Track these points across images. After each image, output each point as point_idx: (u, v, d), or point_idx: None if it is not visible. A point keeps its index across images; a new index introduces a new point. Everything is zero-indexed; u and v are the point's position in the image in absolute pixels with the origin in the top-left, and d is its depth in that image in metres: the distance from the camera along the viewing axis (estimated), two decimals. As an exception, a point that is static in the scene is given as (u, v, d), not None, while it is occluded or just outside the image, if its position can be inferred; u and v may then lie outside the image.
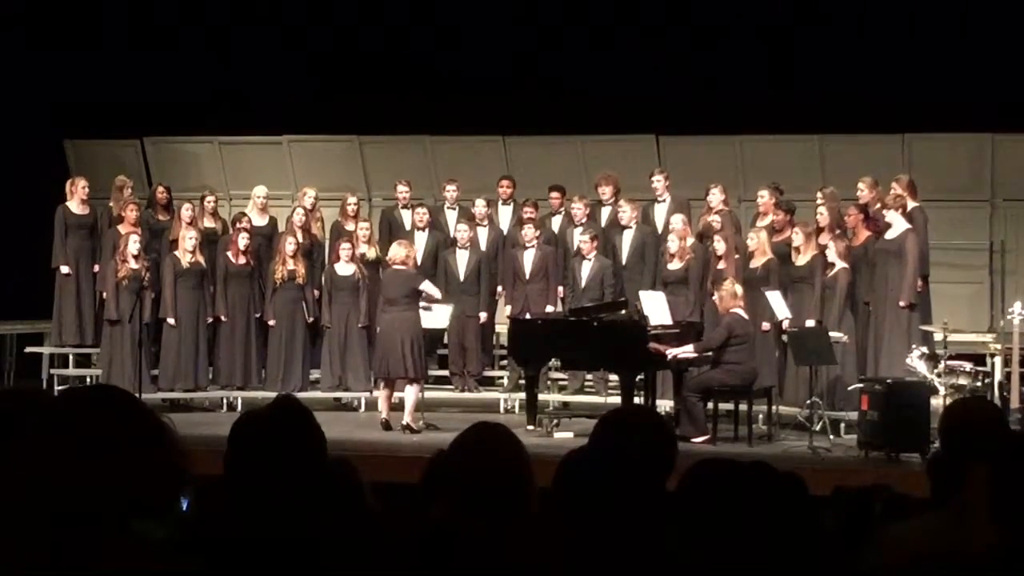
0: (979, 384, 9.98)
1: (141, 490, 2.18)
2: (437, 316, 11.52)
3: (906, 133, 13.58)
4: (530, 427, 10.91)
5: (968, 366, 10.13)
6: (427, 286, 11.30)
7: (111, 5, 14.85)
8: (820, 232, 11.60)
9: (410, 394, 11.09)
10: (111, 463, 2.15)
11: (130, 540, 2.18)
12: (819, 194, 11.93)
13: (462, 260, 12.55)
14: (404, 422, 11.04)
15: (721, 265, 11.52)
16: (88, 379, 12.84)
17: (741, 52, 13.84)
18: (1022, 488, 2.97)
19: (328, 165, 15.13)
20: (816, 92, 13.51)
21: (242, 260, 12.48)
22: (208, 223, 12.96)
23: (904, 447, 9.71)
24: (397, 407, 11.30)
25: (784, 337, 11.21)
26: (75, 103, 14.94)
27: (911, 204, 11.42)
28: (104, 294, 12.55)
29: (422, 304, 11.26)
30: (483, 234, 12.83)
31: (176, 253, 12.40)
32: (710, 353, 10.79)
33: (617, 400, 10.91)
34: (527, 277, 12.34)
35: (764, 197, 12.11)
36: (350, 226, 12.94)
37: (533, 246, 12.34)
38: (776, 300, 11.11)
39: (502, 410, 12.37)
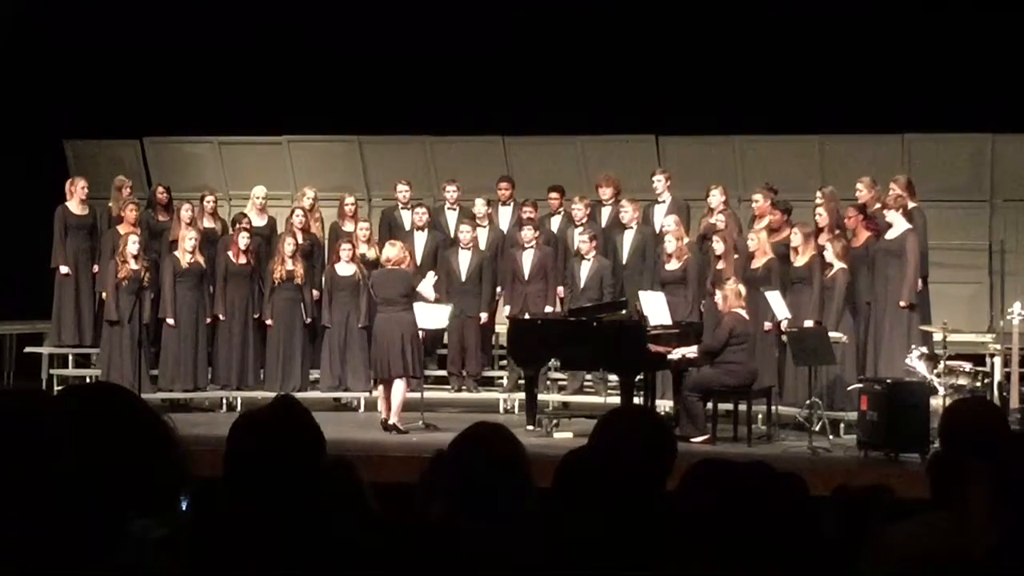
0: (979, 384, 9.98)
1: (142, 489, 2.18)
2: (437, 316, 11.51)
3: (905, 133, 13.60)
4: (529, 427, 10.91)
5: (968, 366, 10.13)
6: (423, 287, 11.28)
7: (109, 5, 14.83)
8: (819, 232, 11.60)
9: (397, 392, 11.05)
10: (112, 462, 2.15)
11: (130, 540, 2.18)
12: (818, 194, 11.93)
13: (463, 260, 12.55)
14: (391, 421, 11.00)
15: (720, 265, 11.52)
16: (87, 379, 12.81)
17: (741, 52, 13.84)
18: (1022, 488, 2.97)
19: (328, 165, 15.14)
20: (815, 92, 13.52)
21: (243, 260, 12.49)
22: (208, 223, 12.96)
23: (904, 447, 9.70)
24: (397, 407, 11.31)
25: (783, 337, 11.21)
26: (75, 103, 14.95)
27: (910, 204, 11.43)
28: (104, 294, 12.55)
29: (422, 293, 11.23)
30: (483, 234, 12.84)
31: (176, 253, 12.40)
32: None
33: (616, 400, 10.91)
34: (526, 278, 12.34)
35: (759, 200, 12.11)
36: (348, 226, 12.95)
37: (532, 247, 12.35)
38: (775, 300, 11.11)
39: (502, 410, 12.37)
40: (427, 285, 11.33)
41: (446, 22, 14.41)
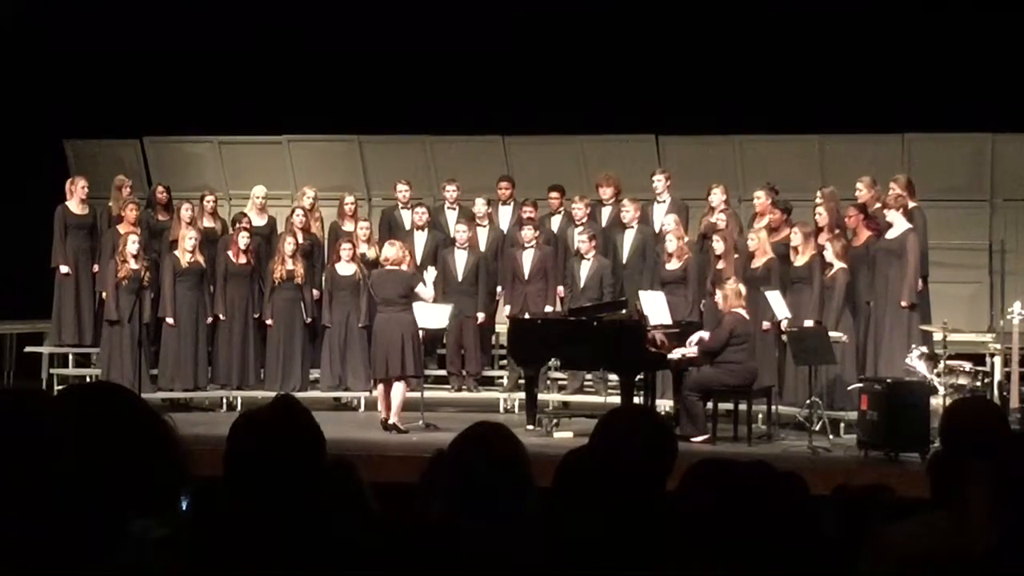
0: (979, 384, 9.98)
1: (142, 489, 2.18)
2: (437, 316, 11.51)
3: (905, 133, 13.60)
4: (530, 427, 10.92)
5: (968, 366, 10.13)
6: (421, 289, 11.26)
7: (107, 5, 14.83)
8: (819, 232, 11.60)
9: (397, 392, 11.07)
10: (112, 462, 2.15)
11: (130, 540, 2.18)
12: (818, 194, 11.93)
13: (460, 260, 12.54)
14: (391, 421, 11.02)
15: (720, 265, 11.52)
16: (88, 379, 12.80)
17: (741, 52, 13.84)
18: (1022, 488, 2.97)
19: (328, 165, 15.14)
20: (815, 92, 13.52)
21: (242, 259, 12.49)
22: (208, 223, 12.97)
23: (904, 447, 9.70)
24: (397, 407, 11.30)
25: (783, 337, 11.21)
26: (75, 103, 14.94)
27: (911, 204, 11.43)
28: (104, 294, 12.55)
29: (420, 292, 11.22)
30: (483, 234, 12.84)
31: (176, 253, 12.40)
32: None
33: (617, 400, 10.91)
34: (526, 278, 12.34)
35: (760, 198, 12.12)
36: (348, 226, 12.96)
37: (532, 246, 12.35)
38: (775, 300, 11.11)
39: (502, 410, 12.37)
40: (426, 287, 11.31)
41: (446, 22, 14.40)
